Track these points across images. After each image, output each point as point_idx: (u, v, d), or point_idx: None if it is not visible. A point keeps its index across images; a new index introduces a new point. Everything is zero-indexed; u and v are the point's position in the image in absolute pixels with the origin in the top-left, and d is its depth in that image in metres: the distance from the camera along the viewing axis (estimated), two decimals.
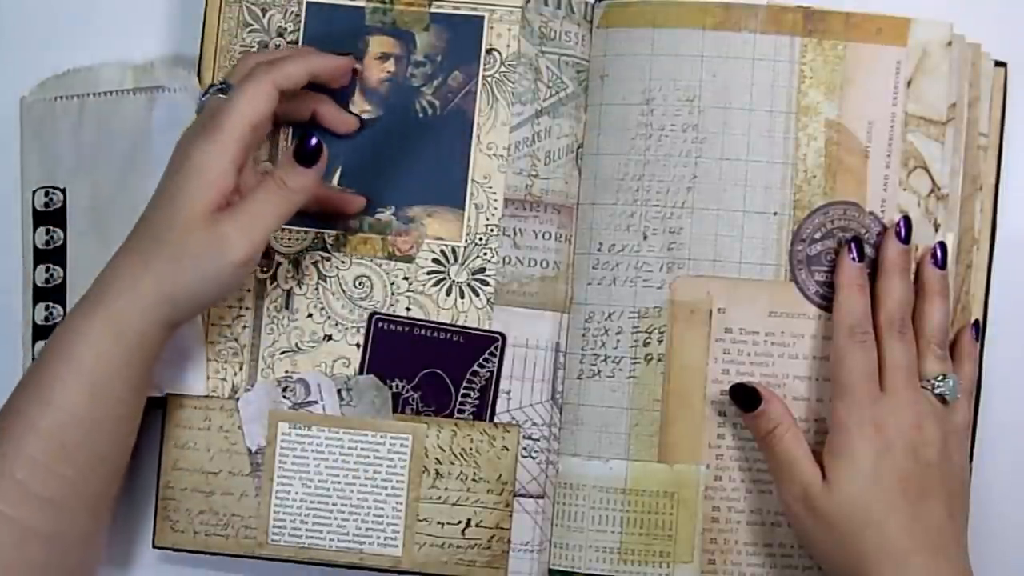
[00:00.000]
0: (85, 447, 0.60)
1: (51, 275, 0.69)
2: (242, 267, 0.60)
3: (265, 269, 0.68)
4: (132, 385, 0.60)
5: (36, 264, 0.69)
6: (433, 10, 0.68)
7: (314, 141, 0.61)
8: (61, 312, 0.68)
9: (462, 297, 0.67)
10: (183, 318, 0.61)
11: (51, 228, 0.69)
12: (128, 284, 0.59)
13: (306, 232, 0.68)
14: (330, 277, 0.67)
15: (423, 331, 0.67)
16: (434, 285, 0.67)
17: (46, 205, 0.69)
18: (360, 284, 0.67)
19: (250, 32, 0.68)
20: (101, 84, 0.69)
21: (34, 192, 0.69)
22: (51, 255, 0.69)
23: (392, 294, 0.67)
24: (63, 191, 0.69)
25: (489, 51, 0.68)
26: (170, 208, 0.60)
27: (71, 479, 0.59)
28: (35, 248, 0.69)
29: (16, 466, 0.58)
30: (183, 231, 0.59)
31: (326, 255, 0.67)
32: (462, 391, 0.67)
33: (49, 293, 0.69)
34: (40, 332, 0.68)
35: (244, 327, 0.68)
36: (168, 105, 0.68)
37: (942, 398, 0.62)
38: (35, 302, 0.69)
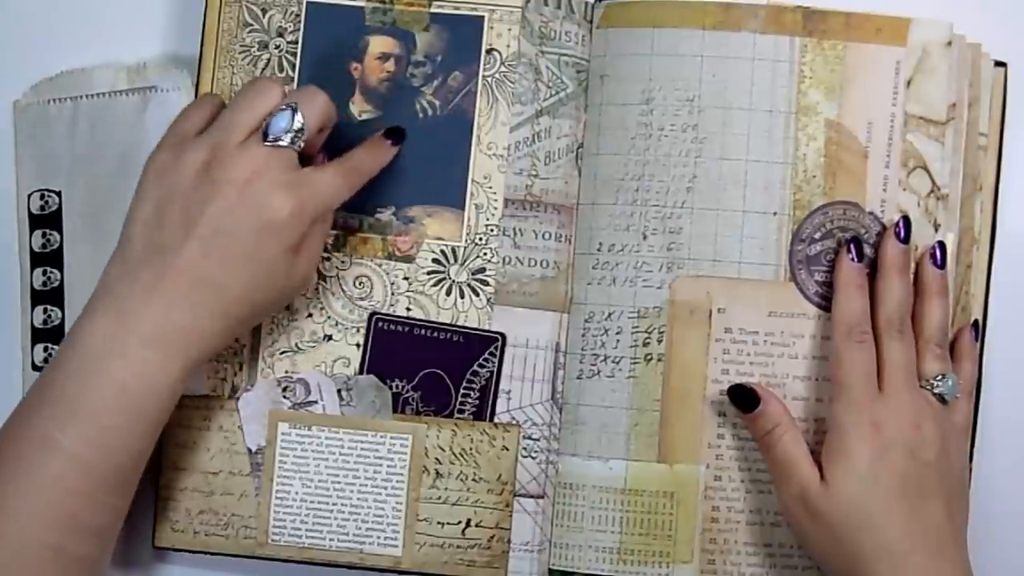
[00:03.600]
0: (138, 476, 0.61)
1: (48, 278, 0.68)
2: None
3: None
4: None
5: (33, 267, 0.68)
6: (433, 10, 0.67)
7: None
8: (59, 315, 0.68)
9: (462, 297, 0.67)
10: None
11: (47, 231, 0.68)
12: (207, 338, 0.59)
13: None
14: (330, 277, 0.67)
15: (423, 331, 0.67)
16: (434, 285, 0.67)
17: (42, 208, 0.69)
18: (360, 284, 0.67)
19: (250, 32, 0.68)
20: (94, 86, 0.68)
21: (29, 195, 0.69)
22: (48, 258, 0.68)
23: (392, 294, 0.67)
24: (58, 194, 0.68)
25: (489, 51, 0.67)
26: (264, 282, 0.60)
27: (121, 508, 0.60)
28: (32, 251, 0.68)
29: (73, 502, 0.58)
30: (277, 303, 0.63)
31: (326, 255, 0.67)
32: (462, 391, 0.67)
33: (47, 296, 0.68)
34: (38, 335, 0.68)
35: None
36: (161, 105, 0.68)
37: (941, 398, 0.62)
38: (33, 305, 0.68)
